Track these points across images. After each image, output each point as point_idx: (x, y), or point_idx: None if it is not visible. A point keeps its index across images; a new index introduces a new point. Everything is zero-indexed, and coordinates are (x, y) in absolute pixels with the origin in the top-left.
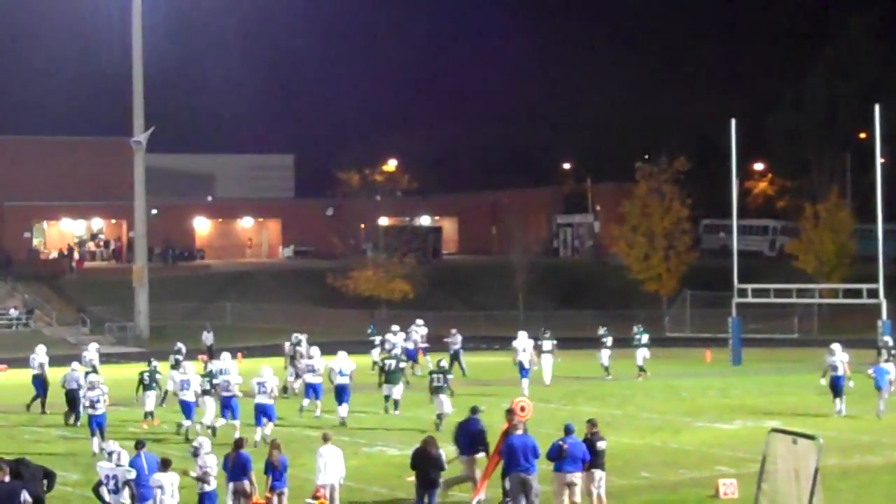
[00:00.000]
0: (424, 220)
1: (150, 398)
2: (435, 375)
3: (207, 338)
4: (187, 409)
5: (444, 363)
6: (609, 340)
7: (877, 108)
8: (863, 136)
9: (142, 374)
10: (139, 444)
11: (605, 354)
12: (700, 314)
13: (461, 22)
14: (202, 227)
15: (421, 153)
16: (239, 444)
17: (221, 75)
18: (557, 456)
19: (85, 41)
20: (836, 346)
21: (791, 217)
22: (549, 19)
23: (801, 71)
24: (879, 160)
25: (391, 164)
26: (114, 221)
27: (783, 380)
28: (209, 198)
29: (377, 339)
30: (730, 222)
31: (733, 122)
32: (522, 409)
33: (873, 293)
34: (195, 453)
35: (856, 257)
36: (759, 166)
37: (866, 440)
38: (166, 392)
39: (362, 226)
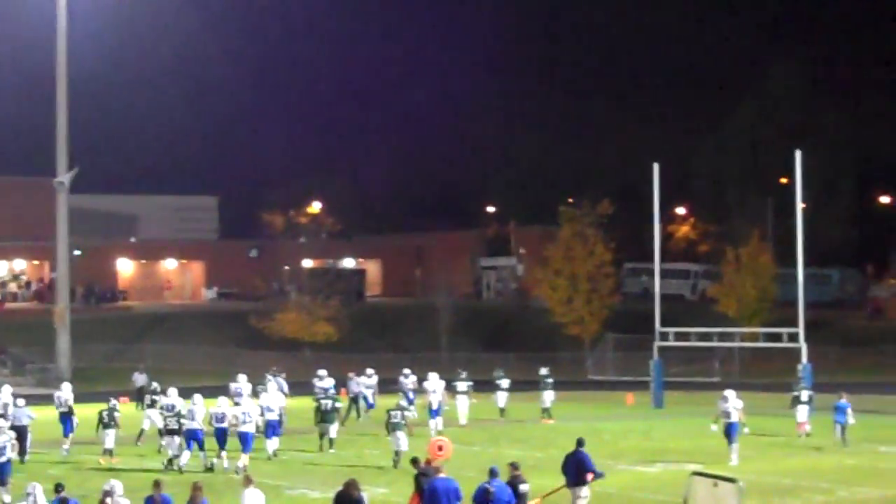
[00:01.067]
0: (348, 263)
1: (110, 436)
2: (393, 412)
3: (139, 379)
4: (194, 438)
5: (403, 402)
6: (504, 383)
7: (798, 153)
8: (784, 180)
9: (101, 412)
10: (58, 488)
11: (501, 397)
12: (622, 357)
13: (386, 65)
14: (125, 268)
15: (345, 195)
16: (157, 485)
17: (146, 116)
18: (483, 499)
19: (8, 80)
20: (729, 393)
21: (713, 261)
22: (473, 63)
23: (724, 116)
24: (800, 205)
25: (315, 207)
26: (36, 262)
27: (704, 423)
28: (132, 239)
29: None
30: (652, 266)
31: (656, 166)
32: (440, 448)
33: (794, 337)
34: (107, 495)
35: (777, 301)
36: (681, 210)
37: (786, 483)
38: (142, 431)
39: (286, 268)
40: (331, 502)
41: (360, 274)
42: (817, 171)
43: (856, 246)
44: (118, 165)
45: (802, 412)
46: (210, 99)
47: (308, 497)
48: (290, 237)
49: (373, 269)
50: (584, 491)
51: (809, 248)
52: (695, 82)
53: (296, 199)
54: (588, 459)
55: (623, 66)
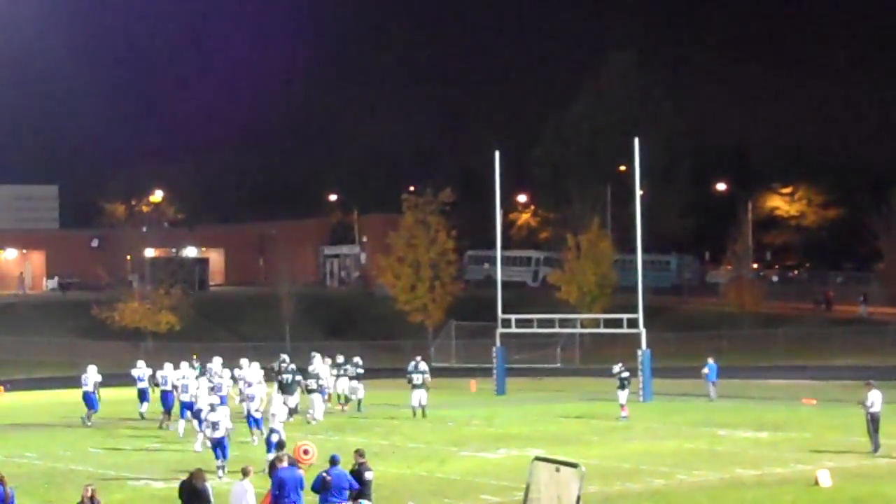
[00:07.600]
0: (191, 252)
1: None
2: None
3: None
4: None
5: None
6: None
7: (636, 141)
8: (622, 168)
9: None
10: None
11: (344, 383)
12: (465, 344)
13: (227, 53)
14: None
15: (187, 184)
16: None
17: None
18: (322, 487)
19: None
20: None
21: (554, 248)
22: (316, 51)
23: (564, 105)
24: (638, 192)
25: (157, 195)
26: None
27: (546, 409)
28: None
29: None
30: (494, 253)
31: (497, 154)
32: (305, 452)
33: (633, 323)
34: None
35: (616, 287)
36: (522, 198)
37: (627, 467)
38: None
39: (128, 257)
40: (176, 493)
41: (202, 263)
42: (655, 158)
43: (693, 232)
44: None
45: (622, 396)
46: (50, 86)
47: (152, 487)
48: (132, 226)
49: (216, 257)
50: None
51: (648, 234)
52: (535, 72)
53: (137, 188)
54: None
55: (463, 55)
